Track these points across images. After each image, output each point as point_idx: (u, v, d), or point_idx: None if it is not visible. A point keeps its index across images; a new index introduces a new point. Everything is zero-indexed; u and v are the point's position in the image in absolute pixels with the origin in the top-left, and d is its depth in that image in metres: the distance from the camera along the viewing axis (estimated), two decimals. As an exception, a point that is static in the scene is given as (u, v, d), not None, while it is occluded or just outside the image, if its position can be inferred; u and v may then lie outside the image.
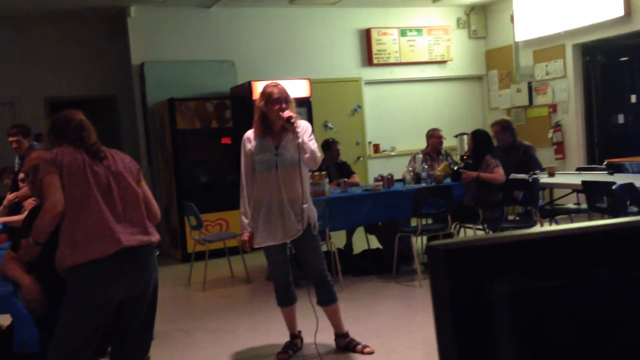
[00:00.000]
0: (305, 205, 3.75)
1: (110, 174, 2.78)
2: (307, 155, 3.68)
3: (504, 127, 6.33)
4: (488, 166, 5.96)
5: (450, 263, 0.76)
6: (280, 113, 3.69)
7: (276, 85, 3.80)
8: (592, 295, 0.75)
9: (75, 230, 2.65)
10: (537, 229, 0.79)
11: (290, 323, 4.06)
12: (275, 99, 3.71)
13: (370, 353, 3.92)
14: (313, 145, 3.73)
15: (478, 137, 6.24)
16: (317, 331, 3.81)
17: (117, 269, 2.68)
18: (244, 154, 3.83)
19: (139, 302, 2.79)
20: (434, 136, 6.71)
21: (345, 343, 3.99)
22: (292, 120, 3.66)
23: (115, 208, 2.74)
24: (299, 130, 3.68)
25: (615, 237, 0.77)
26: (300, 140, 3.67)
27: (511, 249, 0.77)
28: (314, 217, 3.85)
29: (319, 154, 3.77)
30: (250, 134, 3.86)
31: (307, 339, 4.09)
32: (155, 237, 2.87)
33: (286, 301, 3.99)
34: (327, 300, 3.91)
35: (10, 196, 4.82)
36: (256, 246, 3.84)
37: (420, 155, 6.71)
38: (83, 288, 2.65)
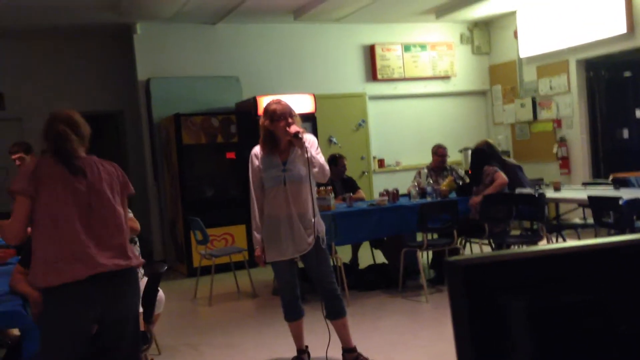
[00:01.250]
0: (314, 219, 3.78)
1: (93, 192, 2.63)
2: (316, 169, 3.71)
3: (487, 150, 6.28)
4: (488, 176, 5.98)
5: (468, 278, 0.77)
6: (287, 129, 3.71)
7: (279, 102, 3.83)
8: (609, 311, 0.76)
9: (48, 250, 2.54)
10: (553, 245, 0.81)
11: (298, 338, 4.06)
12: (280, 115, 3.73)
13: None
14: (321, 158, 3.75)
15: (475, 157, 6.29)
16: (329, 346, 3.80)
17: (92, 293, 2.56)
18: (252, 170, 3.86)
19: (120, 327, 2.67)
20: (436, 154, 6.77)
21: (352, 358, 3.98)
22: (300, 136, 3.69)
23: (93, 229, 2.60)
24: (306, 144, 3.71)
25: (632, 254, 0.79)
26: (308, 154, 3.69)
27: (528, 264, 0.79)
28: (323, 230, 3.87)
29: (327, 167, 3.80)
30: (257, 150, 3.88)
31: (315, 353, 4.08)
32: (136, 261, 2.71)
33: (293, 316, 3.99)
34: (336, 314, 3.91)
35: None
36: (268, 261, 3.87)
37: (425, 170, 6.74)
38: (56, 309, 2.56)
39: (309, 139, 3.79)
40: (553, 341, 0.76)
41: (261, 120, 3.82)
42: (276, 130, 3.76)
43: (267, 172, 3.79)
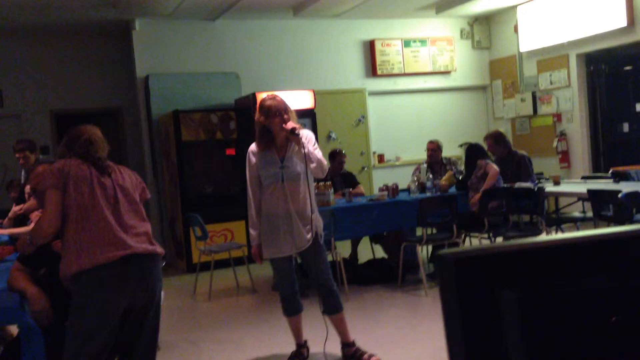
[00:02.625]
0: (312, 216, 3.77)
1: (118, 186, 2.83)
2: (313, 165, 3.69)
3: (496, 139, 6.30)
4: (480, 169, 5.99)
5: (459, 272, 0.77)
6: (283, 125, 3.69)
7: (274, 98, 3.79)
8: (601, 302, 0.75)
9: (81, 238, 2.68)
10: (544, 237, 0.80)
11: (296, 332, 4.06)
12: (275, 112, 3.70)
13: None
14: (319, 154, 3.73)
15: (470, 152, 6.30)
16: (327, 340, 3.81)
17: (123, 275, 2.69)
18: (249, 168, 3.84)
19: (145, 312, 2.79)
20: (427, 148, 6.79)
21: (351, 352, 3.98)
22: (296, 132, 3.67)
23: (122, 218, 2.77)
24: (303, 140, 3.69)
25: (624, 245, 0.78)
26: (305, 150, 3.68)
27: (519, 257, 0.78)
28: (321, 226, 3.87)
29: (326, 162, 3.78)
30: (254, 147, 3.86)
31: (314, 348, 4.08)
32: (160, 249, 2.88)
33: (292, 311, 3.99)
34: (333, 309, 3.91)
35: (15, 208, 4.84)
36: (265, 258, 3.86)
37: (425, 165, 6.74)
38: (88, 293, 2.67)
39: (306, 135, 3.76)
40: (545, 334, 0.75)
41: (256, 117, 3.78)
42: (272, 127, 3.73)
43: (264, 169, 3.77)
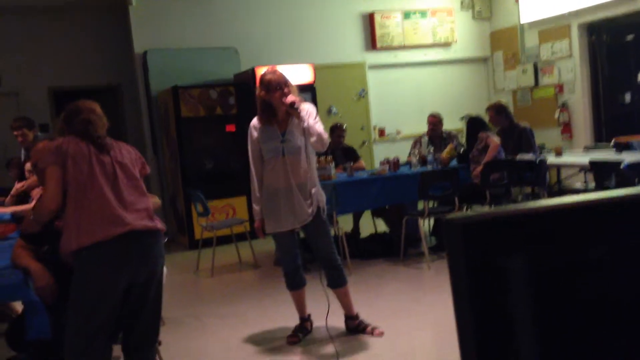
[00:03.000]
0: (313, 190, 3.76)
1: (117, 163, 2.80)
2: (313, 139, 3.67)
3: (497, 110, 6.25)
4: (481, 142, 5.97)
5: (467, 237, 0.75)
6: (283, 99, 3.67)
7: (274, 72, 3.77)
8: (612, 269, 0.74)
9: (80, 215, 2.67)
10: (554, 200, 0.78)
11: (300, 306, 4.08)
12: (275, 86, 3.68)
13: (381, 334, 3.94)
14: (319, 127, 3.71)
15: (471, 125, 6.26)
16: (328, 314, 3.83)
17: (123, 252, 2.68)
18: (250, 142, 3.83)
19: (146, 289, 2.79)
20: (429, 122, 6.77)
21: (355, 325, 4.01)
22: (296, 106, 3.64)
23: (121, 195, 2.75)
24: (303, 114, 3.66)
25: (635, 207, 0.76)
26: (305, 124, 3.65)
27: (529, 221, 0.76)
28: (323, 200, 3.86)
29: (326, 136, 3.75)
30: (256, 122, 3.84)
31: (317, 322, 4.10)
32: (161, 225, 2.87)
33: (295, 285, 4.00)
34: (337, 283, 3.93)
35: (17, 185, 4.84)
36: (267, 232, 3.86)
37: (426, 138, 6.71)
38: (89, 270, 2.66)
39: (307, 108, 3.74)
40: (555, 301, 0.74)
41: (257, 91, 3.77)
42: (272, 101, 3.71)
43: (265, 143, 3.75)
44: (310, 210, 3.76)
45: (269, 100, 3.72)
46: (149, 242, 2.78)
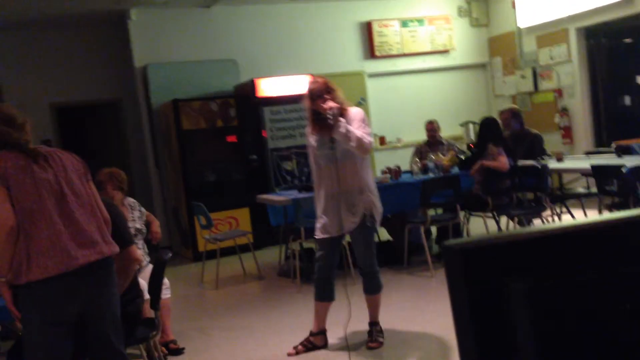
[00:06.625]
0: (363, 197, 3.80)
1: (62, 179, 2.57)
2: (352, 144, 3.72)
3: (513, 114, 6.36)
4: (491, 154, 5.96)
5: (466, 262, 0.76)
6: (322, 106, 3.75)
7: (315, 81, 3.90)
8: (614, 290, 0.75)
9: (29, 245, 2.46)
10: (552, 224, 0.79)
11: (319, 319, 4.04)
12: (316, 95, 3.80)
13: (371, 347, 3.95)
14: (360, 132, 3.73)
15: (483, 126, 6.24)
16: (349, 322, 3.83)
17: (74, 285, 2.52)
18: (309, 150, 3.96)
19: (101, 320, 2.64)
20: (427, 129, 6.86)
21: (377, 331, 4.04)
22: (329, 114, 3.70)
23: (71, 218, 2.54)
24: (340, 121, 3.71)
25: (633, 230, 0.78)
26: (343, 130, 3.70)
27: (528, 245, 0.78)
28: (373, 208, 3.87)
29: (368, 140, 3.76)
30: (309, 129, 3.96)
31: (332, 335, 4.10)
32: (113, 247, 2.67)
33: (324, 296, 3.99)
34: (371, 290, 3.99)
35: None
36: (315, 237, 3.93)
37: (426, 148, 6.76)
38: (37, 305, 2.50)
39: (352, 113, 3.82)
40: (556, 324, 0.75)
41: (306, 103, 3.89)
42: (318, 109, 3.80)
43: (319, 150, 3.86)
44: (355, 219, 3.81)
45: (315, 109, 3.81)
46: (100, 273, 2.61)
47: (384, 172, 6.28)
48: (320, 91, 3.79)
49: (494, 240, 0.79)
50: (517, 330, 0.75)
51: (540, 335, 0.74)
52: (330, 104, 3.74)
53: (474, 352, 0.76)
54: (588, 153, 7.05)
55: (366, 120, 3.87)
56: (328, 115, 3.70)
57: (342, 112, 3.79)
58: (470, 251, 0.77)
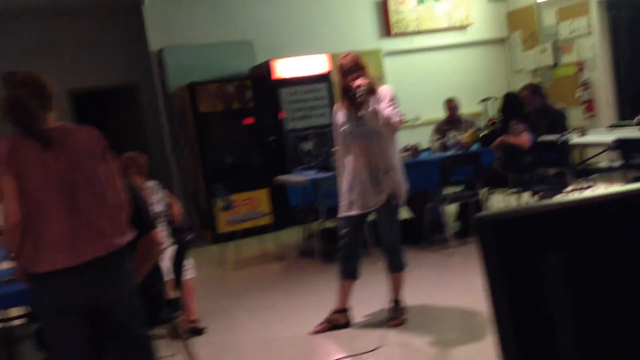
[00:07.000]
0: (387, 175, 3.76)
1: (75, 167, 2.46)
2: (380, 122, 3.69)
3: (533, 90, 6.26)
4: (513, 132, 5.90)
5: (499, 235, 0.74)
6: (352, 82, 3.71)
7: (346, 56, 3.83)
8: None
9: (38, 235, 2.42)
10: (582, 194, 0.76)
11: (342, 296, 4.02)
12: (347, 70, 3.75)
13: (393, 325, 3.93)
14: (389, 111, 3.69)
15: (506, 101, 6.19)
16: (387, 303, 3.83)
17: (84, 277, 2.46)
18: (334, 126, 3.92)
19: (117, 309, 2.57)
20: (446, 107, 6.78)
21: (399, 308, 4.02)
22: (358, 91, 3.65)
23: (81, 211, 2.46)
24: (369, 98, 3.68)
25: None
26: (370, 108, 3.66)
27: (562, 216, 0.75)
28: (399, 187, 3.84)
29: (397, 119, 3.72)
30: (338, 105, 3.93)
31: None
32: (126, 237, 2.57)
33: (348, 274, 3.97)
34: (394, 268, 3.97)
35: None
36: (339, 215, 3.89)
37: (446, 126, 6.70)
38: (47, 294, 2.48)
39: (382, 91, 3.77)
40: (592, 295, 0.73)
41: (336, 77, 3.86)
42: (348, 85, 3.75)
43: (345, 126, 3.82)
44: (380, 197, 3.78)
45: (345, 85, 3.76)
46: (113, 264, 2.53)
47: (405, 150, 6.23)
48: (351, 67, 3.74)
49: (526, 211, 0.76)
50: (554, 302, 0.72)
51: (578, 307, 0.72)
52: (360, 80, 3.69)
53: (509, 325, 0.73)
54: (611, 126, 6.92)
55: (396, 99, 3.81)
56: (358, 92, 3.65)
57: (372, 90, 3.74)
58: (503, 223, 0.74)
